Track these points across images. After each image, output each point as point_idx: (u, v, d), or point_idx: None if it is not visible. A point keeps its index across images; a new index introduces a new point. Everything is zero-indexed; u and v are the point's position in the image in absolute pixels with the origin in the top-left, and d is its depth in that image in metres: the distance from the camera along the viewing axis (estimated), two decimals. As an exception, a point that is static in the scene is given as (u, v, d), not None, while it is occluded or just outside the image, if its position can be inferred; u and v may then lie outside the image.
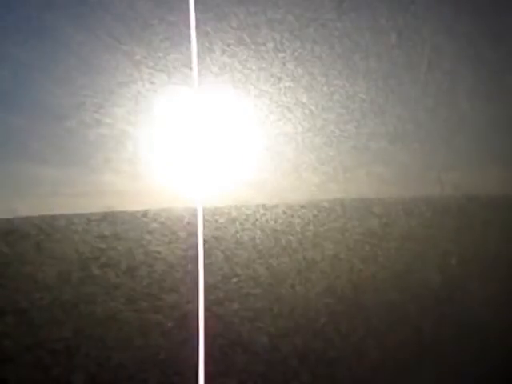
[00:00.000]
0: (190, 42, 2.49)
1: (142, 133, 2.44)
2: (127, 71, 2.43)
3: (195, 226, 2.44)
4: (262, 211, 2.53)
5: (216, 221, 2.49)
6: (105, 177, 2.36)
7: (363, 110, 2.84)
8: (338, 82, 2.81)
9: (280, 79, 2.66)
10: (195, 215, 2.45)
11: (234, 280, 2.47)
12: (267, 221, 2.53)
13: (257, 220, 2.52)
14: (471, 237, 2.80)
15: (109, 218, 2.31)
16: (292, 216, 2.57)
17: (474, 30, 3.00)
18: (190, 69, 2.49)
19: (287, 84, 2.67)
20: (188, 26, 2.47)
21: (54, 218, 2.27)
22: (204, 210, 2.48)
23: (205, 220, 2.47)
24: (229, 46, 2.55)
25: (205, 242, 2.47)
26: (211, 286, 2.45)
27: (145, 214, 2.38)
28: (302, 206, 2.58)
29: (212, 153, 2.53)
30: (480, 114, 2.89)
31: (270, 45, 2.66)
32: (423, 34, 2.97)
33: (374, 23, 2.90)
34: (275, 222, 2.54)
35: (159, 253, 2.39)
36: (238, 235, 2.50)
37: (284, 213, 2.56)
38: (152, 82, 2.45)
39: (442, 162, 2.85)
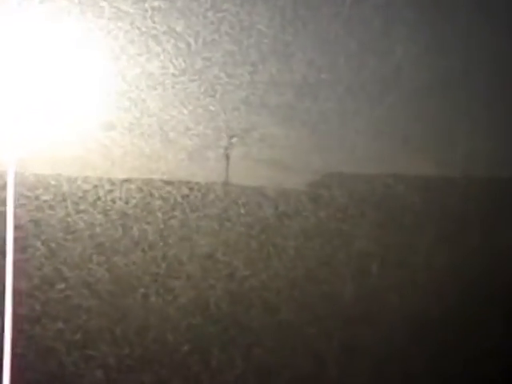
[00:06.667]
0: None
1: None
2: None
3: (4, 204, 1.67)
4: (107, 187, 1.79)
5: (37, 197, 1.72)
6: None
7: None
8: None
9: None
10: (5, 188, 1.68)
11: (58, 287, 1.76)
12: (114, 200, 1.80)
13: (99, 199, 1.78)
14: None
15: None
16: (150, 195, 1.86)
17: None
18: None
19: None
20: None
21: None
22: (19, 183, 1.69)
23: (19, 195, 1.69)
24: None
25: (18, 227, 1.70)
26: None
27: None
28: (166, 182, 1.87)
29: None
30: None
31: None
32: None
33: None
34: (126, 202, 1.82)
35: None
36: (69, 219, 1.76)
37: (140, 190, 1.84)
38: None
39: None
